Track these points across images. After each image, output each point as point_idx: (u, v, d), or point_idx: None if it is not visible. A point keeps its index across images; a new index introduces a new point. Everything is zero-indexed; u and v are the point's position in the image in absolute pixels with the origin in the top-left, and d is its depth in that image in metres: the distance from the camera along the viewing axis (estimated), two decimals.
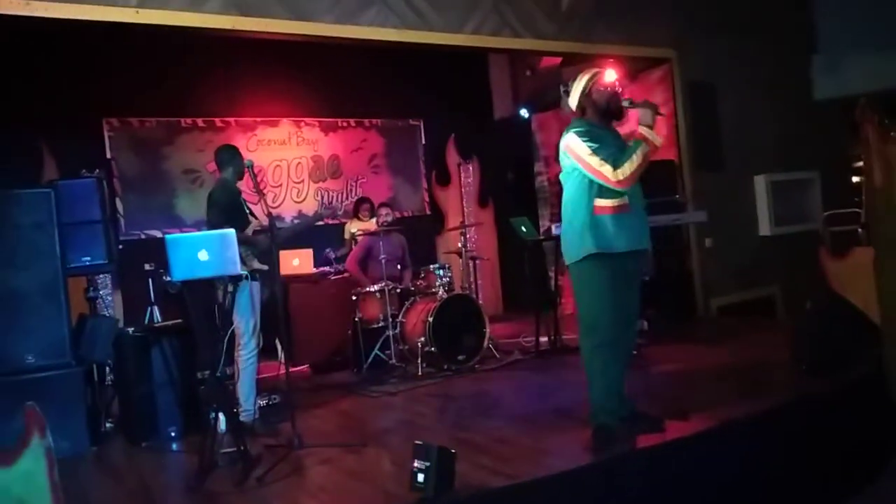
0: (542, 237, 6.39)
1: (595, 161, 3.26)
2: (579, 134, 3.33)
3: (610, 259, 3.33)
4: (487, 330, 5.63)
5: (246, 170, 4.25)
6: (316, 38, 5.04)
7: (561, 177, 3.52)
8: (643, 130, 3.31)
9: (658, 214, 6.00)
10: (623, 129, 3.75)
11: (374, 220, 6.73)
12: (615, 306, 3.35)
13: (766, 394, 3.90)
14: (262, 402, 4.62)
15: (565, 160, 3.43)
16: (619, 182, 3.24)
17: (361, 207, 7.04)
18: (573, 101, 3.50)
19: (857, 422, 3.97)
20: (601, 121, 3.46)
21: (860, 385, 4.12)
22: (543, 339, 5.81)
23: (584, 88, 3.47)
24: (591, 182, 3.32)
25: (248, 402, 4.21)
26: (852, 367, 4.17)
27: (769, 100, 7.30)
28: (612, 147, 3.33)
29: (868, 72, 7.18)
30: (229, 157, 4.46)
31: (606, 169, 3.24)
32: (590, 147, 3.28)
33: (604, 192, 3.31)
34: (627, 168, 3.23)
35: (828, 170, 7.58)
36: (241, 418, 4.13)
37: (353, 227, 6.95)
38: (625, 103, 3.45)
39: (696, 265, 6.82)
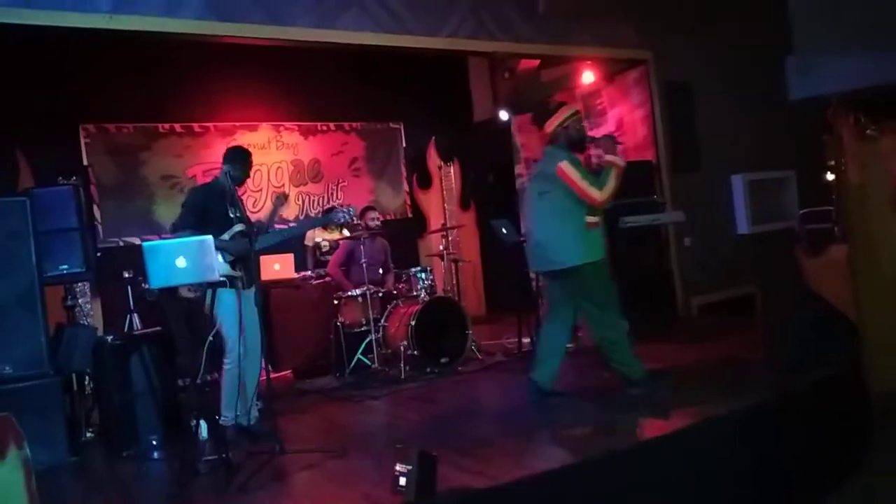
0: (522, 239, 6.40)
1: (585, 185, 3.96)
2: (571, 162, 4.01)
3: (603, 262, 4.10)
4: (470, 332, 5.64)
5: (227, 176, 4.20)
6: (293, 42, 5.04)
7: (540, 193, 4.15)
8: (611, 158, 4.04)
9: (637, 215, 6.06)
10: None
11: (341, 230, 6.67)
12: (609, 294, 4.15)
13: (745, 391, 3.93)
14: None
15: (554, 181, 4.03)
16: (603, 201, 3.99)
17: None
18: (550, 126, 4.17)
19: (835, 417, 4.02)
20: (568, 149, 4.11)
21: (837, 381, 4.17)
22: (526, 339, 5.83)
23: (564, 121, 4.14)
24: (580, 201, 3.98)
25: (225, 408, 4.17)
26: (829, 363, 4.22)
27: (745, 100, 7.38)
28: (586, 174, 4.02)
29: (842, 72, 7.23)
30: (229, 158, 4.30)
31: (594, 191, 3.95)
32: (580, 172, 3.98)
33: (591, 210, 4.01)
34: (607, 190, 3.98)
35: (804, 168, 7.67)
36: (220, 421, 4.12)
37: (318, 236, 6.85)
38: (588, 140, 4.28)
39: (675, 265, 6.88)
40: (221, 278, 3.99)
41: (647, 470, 3.22)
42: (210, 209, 4.16)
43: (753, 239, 7.37)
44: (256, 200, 7.51)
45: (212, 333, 4.22)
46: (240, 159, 4.29)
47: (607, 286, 4.14)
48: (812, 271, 4.97)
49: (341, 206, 4.61)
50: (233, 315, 4.09)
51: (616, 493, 3.12)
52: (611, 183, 3.97)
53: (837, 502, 3.67)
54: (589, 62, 7.06)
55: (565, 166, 3.99)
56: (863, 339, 4.41)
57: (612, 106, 7.32)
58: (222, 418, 4.14)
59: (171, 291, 3.71)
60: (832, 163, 4.85)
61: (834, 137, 4.73)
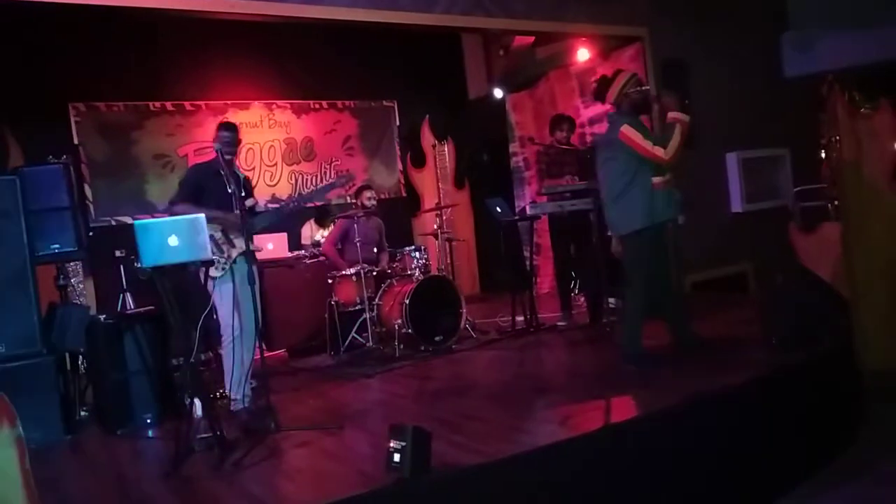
0: (517, 217, 6.40)
1: (649, 144, 4.00)
2: (631, 124, 4.07)
3: (656, 228, 4.14)
4: (464, 310, 5.64)
5: (217, 152, 4.17)
6: (283, 18, 4.98)
7: (605, 160, 4.22)
8: (674, 115, 4.08)
9: None
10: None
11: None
12: (649, 268, 4.19)
13: (738, 368, 3.96)
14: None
15: (617, 146, 4.10)
16: (669, 158, 4.01)
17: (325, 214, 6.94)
18: (612, 96, 4.25)
19: (828, 393, 4.06)
20: (632, 113, 4.19)
21: (829, 358, 4.20)
22: (520, 318, 5.85)
23: (623, 87, 4.21)
24: (644, 162, 4.03)
25: (234, 390, 4.19)
26: (821, 340, 4.25)
27: (741, 77, 7.34)
28: (649, 134, 4.09)
29: (838, 48, 7.23)
30: (216, 135, 4.26)
31: (659, 150, 3.99)
32: (641, 134, 4.04)
33: (657, 169, 4.06)
34: (672, 148, 4.00)
35: (798, 146, 7.66)
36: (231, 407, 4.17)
37: (316, 233, 6.80)
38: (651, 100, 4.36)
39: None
40: (222, 259, 4.01)
41: (641, 446, 3.24)
42: (206, 186, 4.18)
43: (747, 217, 7.37)
44: (250, 179, 7.46)
45: (204, 313, 4.20)
46: (220, 132, 4.25)
47: (659, 249, 4.21)
48: (805, 249, 4.99)
49: (338, 173, 4.46)
50: (228, 294, 4.11)
51: (610, 468, 3.14)
52: (675, 140, 4.01)
53: (828, 477, 3.71)
54: (584, 39, 7.01)
55: (626, 129, 4.06)
56: (855, 316, 4.43)
57: None
58: (232, 402, 4.19)
59: (164, 270, 3.68)
60: (826, 140, 4.84)
61: (829, 115, 4.72)
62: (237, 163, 4.21)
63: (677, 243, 4.47)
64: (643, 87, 4.26)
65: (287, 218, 5.06)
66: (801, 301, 4.43)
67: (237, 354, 4.15)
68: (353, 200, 6.30)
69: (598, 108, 7.44)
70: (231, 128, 4.28)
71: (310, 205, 6.64)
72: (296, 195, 7.75)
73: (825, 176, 5.02)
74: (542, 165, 5.81)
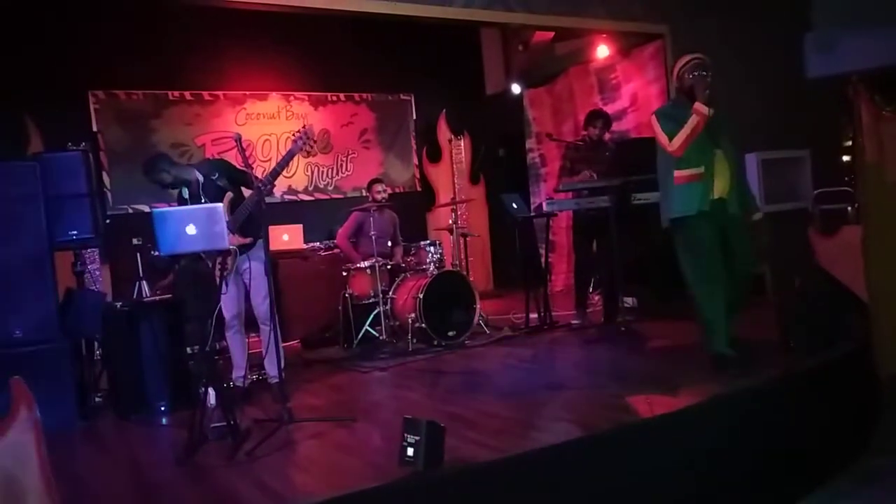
0: (532, 214, 6.37)
1: (661, 135, 3.98)
2: (656, 115, 4.07)
3: (690, 220, 3.98)
4: (478, 306, 5.63)
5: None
6: (304, 9, 4.97)
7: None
8: (696, 106, 3.89)
9: (648, 192, 6.00)
10: None
11: None
12: (697, 264, 4.07)
13: (754, 371, 3.92)
14: (253, 377, 4.61)
15: None
16: (673, 151, 3.93)
17: None
18: (674, 75, 4.18)
19: (843, 398, 4.01)
20: (685, 99, 4.01)
21: (846, 362, 4.15)
22: (533, 315, 5.83)
23: (680, 69, 4.08)
24: (669, 155, 3.97)
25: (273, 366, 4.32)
26: (839, 344, 4.20)
27: (762, 77, 7.26)
28: (680, 123, 3.92)
29: (861, 50, 7.11)
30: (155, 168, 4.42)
31: (666, 141, 3.95)
32: (660, 124, 4.00)
33: (677, 163, 3.95)
34: (677, 140, 3.91)
35: (819, 148, 7.57)
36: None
37: None
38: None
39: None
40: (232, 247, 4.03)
41: (654, 446, 3.22)
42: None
43: (765, 218, 7.28)
44: (265, 171, 7.47)
45: (219, 302, 4.22)
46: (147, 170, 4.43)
47: (693, 245, 4.06)
48: (825, 252, 4.92)
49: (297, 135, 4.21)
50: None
51: (622, 467, 3.12)
52: (682, 132, 3.89)
53: (843, 483, 3.67)
54: (604, 36, 6.96)
55: (652, 118, 4.07)
56: (874, 320, 4.38)
57: (627, 81, 7.23)
58: (270, 377, 4.36)
59: (182, 258, 3.70)
60: (849, 143, 4.79)
61: (853, 117, 4.66)
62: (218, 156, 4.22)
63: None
64: (698, 73, 3.99)
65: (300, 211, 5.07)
66: (819, 304, 4.38)
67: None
68: (365, 194, 6.30)
69: (616, 106, 7.39)
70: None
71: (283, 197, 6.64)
72: (312, 187, 7.76)
73: (852, 179, 4.95)
74: (566, 162, 5.70)
